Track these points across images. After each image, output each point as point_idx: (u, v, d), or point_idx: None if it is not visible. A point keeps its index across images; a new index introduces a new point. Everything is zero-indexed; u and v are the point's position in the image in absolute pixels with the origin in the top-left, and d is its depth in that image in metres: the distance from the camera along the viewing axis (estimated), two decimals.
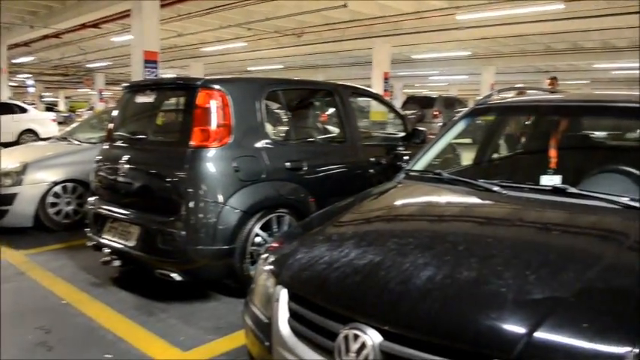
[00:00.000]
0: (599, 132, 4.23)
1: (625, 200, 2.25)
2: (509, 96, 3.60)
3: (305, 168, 3.85)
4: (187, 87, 3.72)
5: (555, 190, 2.43)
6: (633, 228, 2.07)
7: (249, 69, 26.23)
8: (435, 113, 17.38)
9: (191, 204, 3.39)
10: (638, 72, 19.53)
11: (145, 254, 3.58)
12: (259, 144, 3.67)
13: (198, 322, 3.34)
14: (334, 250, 2.03)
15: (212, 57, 22.47)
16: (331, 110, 4.69)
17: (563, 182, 2.50)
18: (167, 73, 22.44)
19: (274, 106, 4.09)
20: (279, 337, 1.87)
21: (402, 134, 5.05)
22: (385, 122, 8.01)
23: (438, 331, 1.53)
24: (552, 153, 3.17)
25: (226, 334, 3.15)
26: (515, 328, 1.46)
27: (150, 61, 10.55)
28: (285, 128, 4.14)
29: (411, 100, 20.64)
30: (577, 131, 3.51)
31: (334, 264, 1.92)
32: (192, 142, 3.47)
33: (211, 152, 3.46)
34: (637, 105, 3.01)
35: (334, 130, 4.64)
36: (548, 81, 7.73)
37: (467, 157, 4.27)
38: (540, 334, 1.43)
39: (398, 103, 19.14)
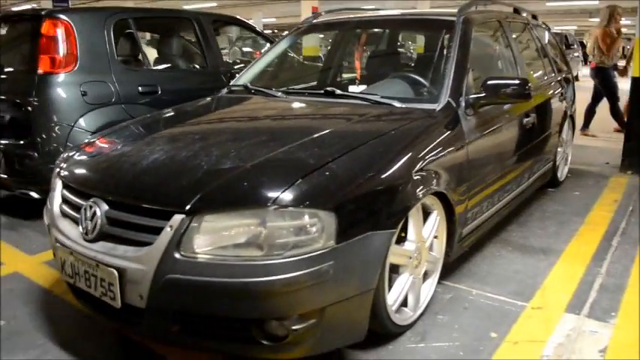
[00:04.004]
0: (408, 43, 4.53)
1: (375, 98, 2.68)
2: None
3: (159, 92, 4.14)
4: (33, 17, 3.91)
5: (326, 93, 2.83)
6: (367, 112, 2.52)
7: (184, 7, 25.47)
8: None
9: (40, 127, 3.68)
10: None
11: (6, 176, 3.87)
12: (108, 70, 3.92)
13: None
14: (105, 148, 2.38)
15: None
16: (191, 38, 4.92)
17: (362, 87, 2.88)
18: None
19: (126, 33, 4.30)
20: (52, 219, 2.23)
21: None
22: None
23: (141, 197, 1.92)
24: (357, 65, 3.56)
25: None
26: (192, 189, 1.85)
27: None
28: (139, 55, 4.37)
29: None
30: (379, 44, 3.88)
31: (96, 157, 2.29)
32: (39, 70, 3.71)
33: (58, 78, 3.70)
34: (432, 18, 3.41)
35: (196, 57, 4.89)
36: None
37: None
38: (207, 192, 1.82)
39: None
